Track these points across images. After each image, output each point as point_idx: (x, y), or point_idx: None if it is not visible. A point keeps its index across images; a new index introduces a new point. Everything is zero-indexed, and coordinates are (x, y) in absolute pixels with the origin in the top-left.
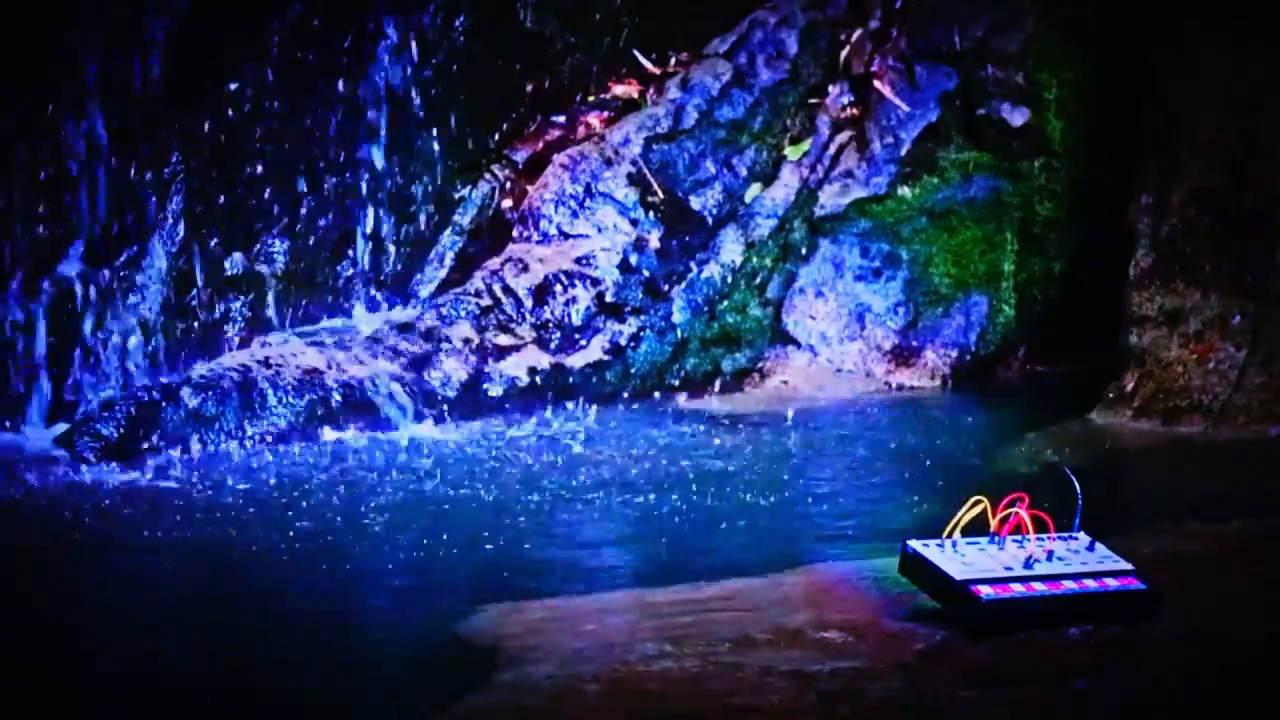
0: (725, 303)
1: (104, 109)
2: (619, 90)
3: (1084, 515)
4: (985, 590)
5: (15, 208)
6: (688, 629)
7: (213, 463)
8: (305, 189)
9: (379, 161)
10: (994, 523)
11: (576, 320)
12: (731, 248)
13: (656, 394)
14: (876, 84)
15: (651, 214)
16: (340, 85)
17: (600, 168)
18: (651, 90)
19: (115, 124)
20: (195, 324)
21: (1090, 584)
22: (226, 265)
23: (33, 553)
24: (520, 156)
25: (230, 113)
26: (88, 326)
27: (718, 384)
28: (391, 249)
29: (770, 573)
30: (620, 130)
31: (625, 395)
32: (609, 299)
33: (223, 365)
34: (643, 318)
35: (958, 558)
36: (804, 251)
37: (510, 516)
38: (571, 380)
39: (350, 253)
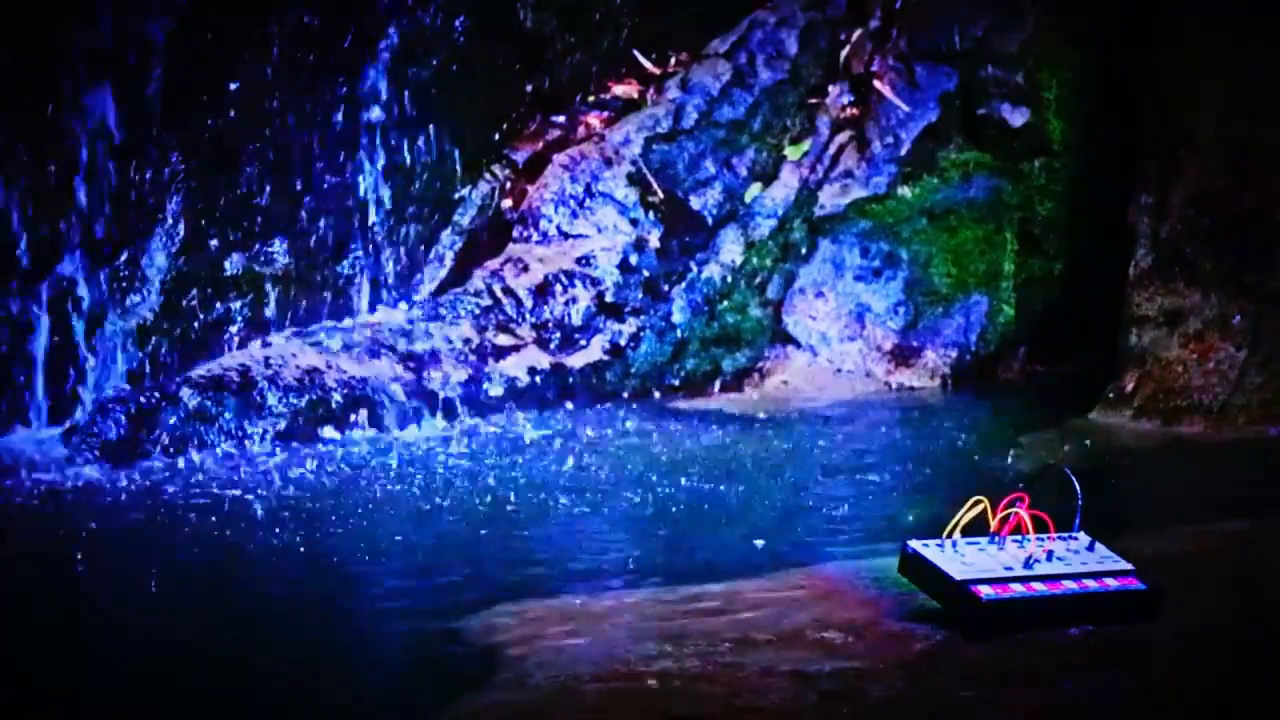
0: (725, 303)
1: (104, 109)
2: (619, 90)
3: (1084, 515)
4: (985, 590)
5: (15, 208)
6: (688, 629)
7: (213, 463)
8: (305, 189)
9: (379, 161)
10: (994, 523)
11: (576, 320)
12: (731, 248)
13: (656, 394)
14: (876, 84)
15: (651, 214)
16: (340, 85)
17: (600, 168)
18: (651, 90)
19: (115, 124)
20: (195, 324)
21: (1090, 584)
22: (226, 265)
23: (33, 553)
24: (520, 156)
25: (230, 113)
26: (88, 326)
27: (718, 384)
28: (391, 249)
29: (770, 573)
30: (620, 130)
31: (625, 395)
32: (609, 299)
33: (223, 365)
34: (643, 318)
35: (958, 558)
36: (804, 251)
37: (510, 516)
38: (571, 380)
39: (350, 253)
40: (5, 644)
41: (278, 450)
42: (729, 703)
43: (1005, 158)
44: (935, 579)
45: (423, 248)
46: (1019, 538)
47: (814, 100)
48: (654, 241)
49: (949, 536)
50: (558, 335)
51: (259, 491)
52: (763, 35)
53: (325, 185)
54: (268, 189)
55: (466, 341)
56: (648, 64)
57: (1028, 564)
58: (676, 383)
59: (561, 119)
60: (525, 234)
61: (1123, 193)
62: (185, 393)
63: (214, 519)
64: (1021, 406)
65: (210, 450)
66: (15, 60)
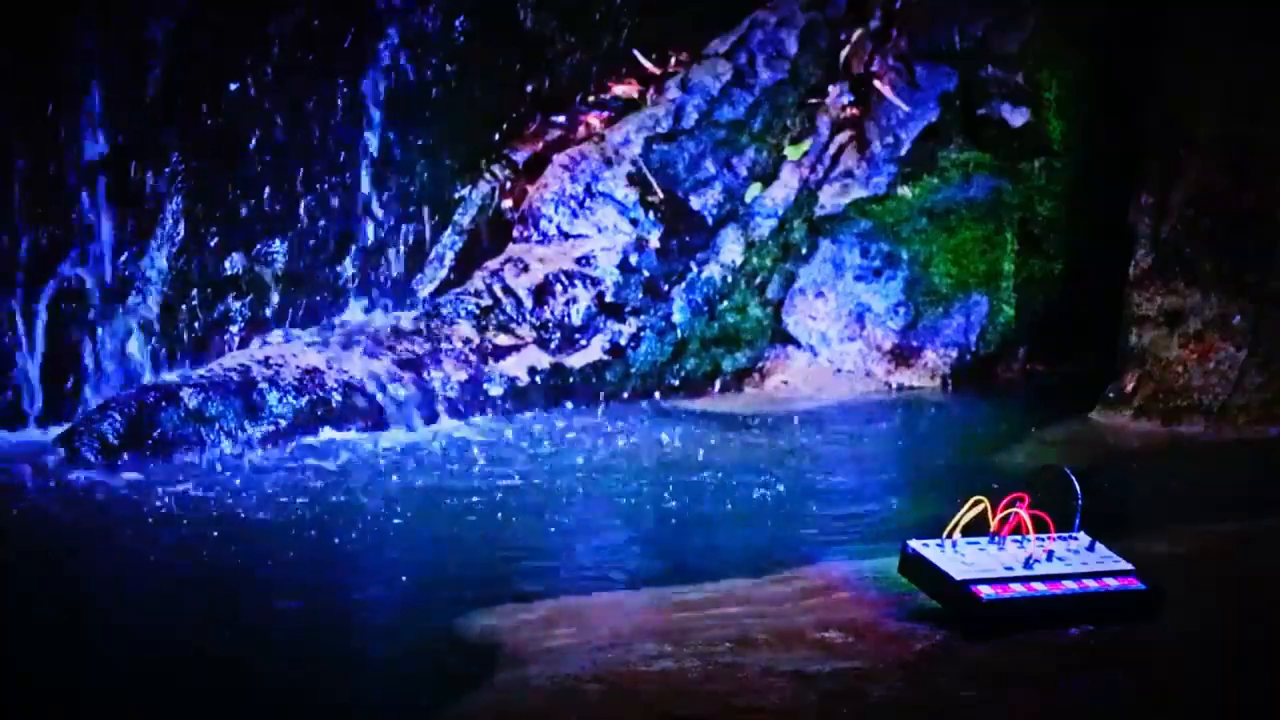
0: (725, 303)
1: (104, 109)
2: (619, 90)
3: (1084, 515)
4: (985, 590)
5: (15, 208)
6: (688, 629)
7: (213, 463)
8: (305, 189)
9: (379, 162)
10: (994, 523)
11: (576, 320)
12: (731, 248)
13: (656, 394)
14: (876, 84)
15: (651, 214)
16: (340, 86)
17: (600, 168)
18: (651, 90)
19: (116, 124)
20: (195, 324)
21: (1090, 584)
22: (226, 265)
23: (33, 553)
24: (520, 156)
25: (230, 113)
26: (88, 326)
27: (718, 384)
28: (391, 249)
29: (770, 573)
30: (620, 130)
31: (625, 395)
32: (609, 299)
33: (223, 365)
34: (643, 318)
35: (958, 558)
36: (804, 251)
37: (510, 516)
38: (571, 380)
39: (350, 253)
40: (5, 644)
41: (277, 450)
42: (729, 703)
43: (1005, 158)
44: (935, 579)
45: (423, 248)
46: (1019, 538)
47: (814, 100)
48: (654, 241)
49: (949, 536)
50: (558, 335)
51: (258, 491)
52: (763, 35)
53: (325, 185)
54: (268, 189)
55: (466, 341)
56: (648, 64)
57: (1028, 564)
58: (676, 383)
59: (561, 119)
60: (525, 234)
61: (1123, 193)
62: (185, 393)
63: (213, 520)
64: (1021, 406)
65: (210, 450)
66: (15, 60)
